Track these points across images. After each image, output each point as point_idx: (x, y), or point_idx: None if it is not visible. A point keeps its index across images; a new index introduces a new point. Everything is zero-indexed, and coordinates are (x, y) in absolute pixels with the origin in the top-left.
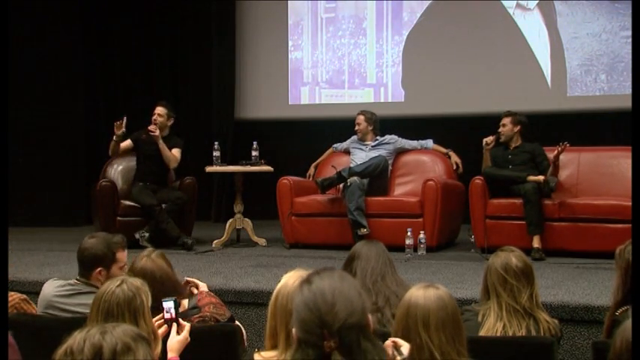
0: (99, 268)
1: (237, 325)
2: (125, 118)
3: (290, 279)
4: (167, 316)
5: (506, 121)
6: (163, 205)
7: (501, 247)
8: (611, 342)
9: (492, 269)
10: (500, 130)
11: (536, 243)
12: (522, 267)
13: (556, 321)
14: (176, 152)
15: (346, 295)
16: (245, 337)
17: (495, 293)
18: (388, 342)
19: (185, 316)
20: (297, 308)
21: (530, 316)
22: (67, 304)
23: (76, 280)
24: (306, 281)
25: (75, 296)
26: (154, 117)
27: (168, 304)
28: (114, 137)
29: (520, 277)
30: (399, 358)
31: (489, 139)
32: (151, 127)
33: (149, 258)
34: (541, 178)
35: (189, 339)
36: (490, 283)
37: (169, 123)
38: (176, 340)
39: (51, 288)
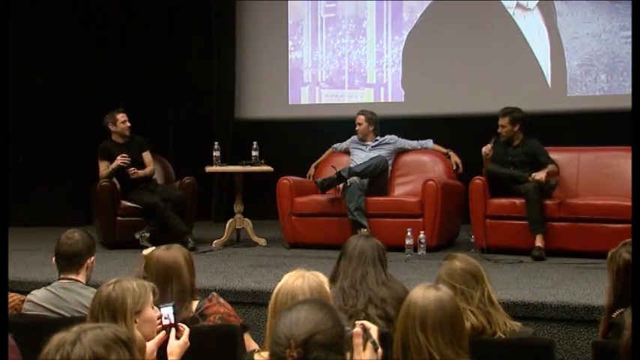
0: (91, 258)
1: (238, 327)
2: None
3: (290, 278)
4: (165, 322)
5: (504, 121)
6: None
7: (445, 256)
8: None
9: (440, 279)
10: (499, 131)
11: (538, 242)
12: (467, 268)
13: (518, 324)
14: (148, 159)
15: (320, 318)
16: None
17: None
18: (357, 329)
19: (183, 325)
20: (277, 322)
21: (485, 317)
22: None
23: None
24: (293, 304)
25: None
26: (126, 124)
27: (167, 310)
28: (113, 166)
29: (467, 279)
30: (369, 341)
31: (487, 147)
32: (131, 172)
33: (168, 249)
34: (542, 177)
35: (188, 343)
36: None
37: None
38: (176, 345)
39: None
